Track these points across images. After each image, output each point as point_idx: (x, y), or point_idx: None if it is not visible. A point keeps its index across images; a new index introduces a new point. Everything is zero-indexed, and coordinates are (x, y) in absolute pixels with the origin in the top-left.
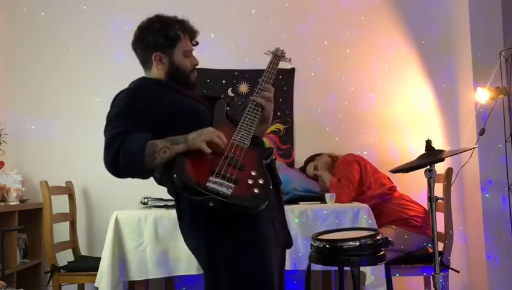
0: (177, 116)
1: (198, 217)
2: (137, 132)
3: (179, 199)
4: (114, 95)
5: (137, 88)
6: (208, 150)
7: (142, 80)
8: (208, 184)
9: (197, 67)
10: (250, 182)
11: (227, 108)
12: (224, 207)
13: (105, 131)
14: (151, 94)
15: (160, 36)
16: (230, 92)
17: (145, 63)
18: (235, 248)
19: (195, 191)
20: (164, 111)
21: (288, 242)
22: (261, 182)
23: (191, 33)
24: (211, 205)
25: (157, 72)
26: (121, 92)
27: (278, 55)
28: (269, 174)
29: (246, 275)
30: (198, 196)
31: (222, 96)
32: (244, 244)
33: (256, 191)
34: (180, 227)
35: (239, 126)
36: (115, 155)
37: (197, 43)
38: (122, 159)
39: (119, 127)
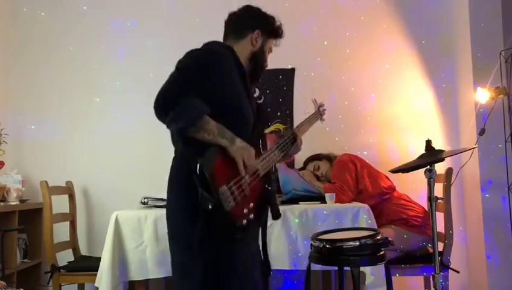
0: (231, 107)
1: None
2: (197, 95)
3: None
4: (114, 95)
5: (221, 56)
6: (242, 171)
7: (228, 48)
8: (220, 190)
9: None
10: (245, 211)
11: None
12: (215, 215)
13: (172, 76)
14: (229, 70)
15: (269, 21)
16: None
17: (241, 32)
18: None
19: (207, 185)
20: (226, 94)
21: (268, 271)
22: (251, 217)
23: (277, 42)
24: (209, 206)
25: (244, 47)
26: (203, 48)
27: (320, 112)
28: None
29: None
30: (206, 191)
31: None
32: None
33: (244, 222)
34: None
35: (266, 155)
36: (170, 104)
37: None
38: (176, 112)
39: (186, 81)
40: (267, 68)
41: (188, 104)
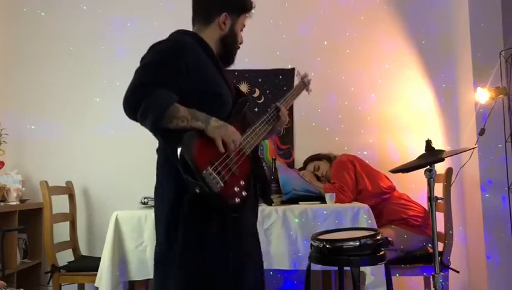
0: (207, 93)
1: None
2: (167, 89)
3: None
4: (114, 95)
5: (185, 45)
6: (221, 149)
7: (193, 36)
8: (204, 172)
9: None
10: (236, 189)
11: (246, 108)
12: (205, 197)
13: (137, 72)
14: (196, 57)
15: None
16: None
17: (207, 17)
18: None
19: (190, 170)
20: (198, 82)
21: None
22: (243, 194)
23: (250, 15)
24: (197, 191)
25: (213, 32)
26: (167, 40)
27: (304, 83)
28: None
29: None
30: (190, 176)
31: (246, 94)
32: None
33: (237, 200)
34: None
35: (250, 131)
36: (138, 101)
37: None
38: (143, 108)
39: (151, 77)
40: (267, 68)
41: (154, 97)
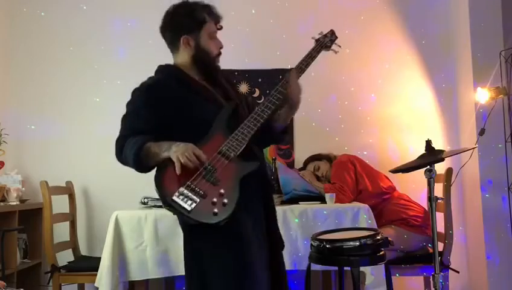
0: (186, 123)
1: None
2: (137, 135)
3: None
4: (114, 95)
5: (152, 85)
6: (178, 170)
7: (163, 70)
8: (174, 197)
9: None
10: (214, 200)
11: (231, 112)
12: (183, 218)
13: (121, 122)
14: (166, 94)
15: (187, 19)
16: None
17: (173, 46)
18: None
19: (163, 200)
20: (174, 115)
21: (281, 244)
22: (225, 201)
23: (216, 17)
24: (173, 214)
25: (183, 55)
26: (138, 88)
27: (322, 43)
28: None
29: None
30: (166, 205)
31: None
32: (223, 246)
33: (215, 210)
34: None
35: (233, 135)
36: (119, 152)
37: (221, 27)
38: (123, 160)
39: (125, 130)
40: (267, 68)
41: (126, 147)
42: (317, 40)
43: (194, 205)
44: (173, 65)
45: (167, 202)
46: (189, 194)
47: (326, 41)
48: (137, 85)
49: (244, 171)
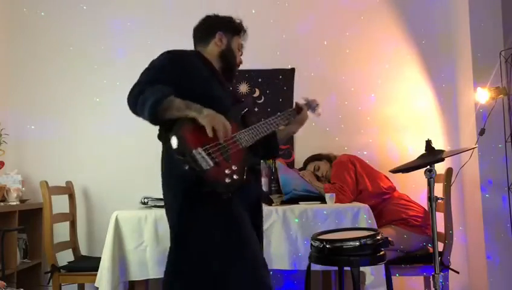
0: (202, 96)
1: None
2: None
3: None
4: (114, 95)
5: (183, 54)
6: (210, 133)
7: (192, 52)
8: (194, 151)
9: None
10: (227, 171)
11: (246, 110)
12: (194, 176)
13: (141, 75)
14: (192, 65)
15: (228, 21)
16: None
17: (204, 39)
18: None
19: (180, 150)
20: (193, 85)
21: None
22: (235, 177)
23: (244, 37)
24: (186, 168)
25: (212, 49)
26: (167, 51)
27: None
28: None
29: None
30: (181, 156)
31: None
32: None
33: (227, 180)
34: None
35: (248, 128)
36: (136, 96)
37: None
38: (141, 100)
39: (147, 78)
40: (267, 68)
41: (150, 90)
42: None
43: (208, 167)
44: (197, 50)
45: (185, 154)
46: (206, 157)
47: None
48: None
49: (249, 162)
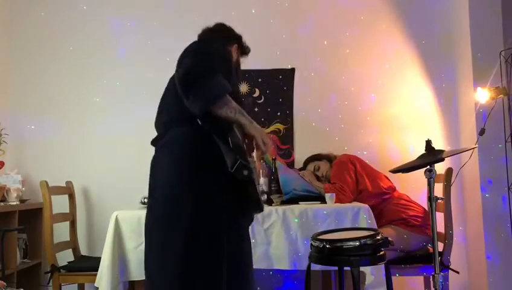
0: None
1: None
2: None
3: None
4: (114, 95)
5: (229, 54)
6: (262, 146)
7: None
8: (249, 159)
9: None
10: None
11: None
12: (248, 182)
13: (201, 52)
14: (231, 63)
15: (242, 41)
16: None
17: (227, 41)
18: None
19: (243, 153)
20: (232, 83)
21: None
22: (264, 188)
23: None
24: (245, 173)
25: None
26: (208, 41)
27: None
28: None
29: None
30: (243, 159)
31: (243, 99)
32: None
33: (262, 198)
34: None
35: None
36: (196, 78)
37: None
38: (201, 87)
39: (214, 64)
40: (267, 68)
41: (216, 80)
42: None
43: (255, 177)
44: None
45: (247, 158)
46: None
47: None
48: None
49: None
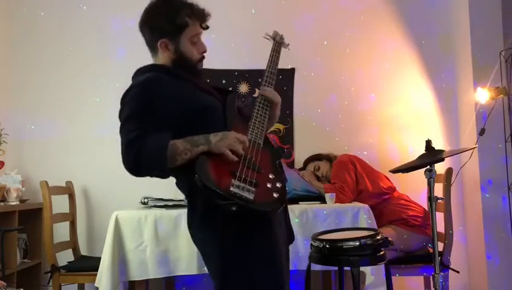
0: (192, 114)
1: (211, 215)
2: (155, 133)
3: (193, 190)
4: (114, 95)
5: (150, 82)
6: (234, 158)
7: (152, 68)
8: (232, 189)
9: None
10: (269, 185)
11: (238, 102)
12: (245, 211)
13: (121, 132)
14: (165, 90)
15: (166, 22)
16: None
17: (152, 48)
18: (250, 254)
19: (218, 194)
20: (179, 109)
21: (291, 238)
22: (278, 185)
23: (201, 17)
24: (234, 209)
25: (163, 58)
26: (133, 86)
27: (278, 42)
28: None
29: (261, 280)
30: (221, 200)
31: (230, 88)
32: (259, 250)
33: (275, 195)
34: (189, 220)
35: (252, 122)
36: (136, 158)
37: (207, 27)
38: (144, 162)
39: (135, 130)
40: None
41: (147, 149)
42: (273, 40)
43: (252, 194)
44: (155, 64)
45: (226, 197)
46: (242, 184)
47: (278, 39)
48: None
49: (276, 155)
